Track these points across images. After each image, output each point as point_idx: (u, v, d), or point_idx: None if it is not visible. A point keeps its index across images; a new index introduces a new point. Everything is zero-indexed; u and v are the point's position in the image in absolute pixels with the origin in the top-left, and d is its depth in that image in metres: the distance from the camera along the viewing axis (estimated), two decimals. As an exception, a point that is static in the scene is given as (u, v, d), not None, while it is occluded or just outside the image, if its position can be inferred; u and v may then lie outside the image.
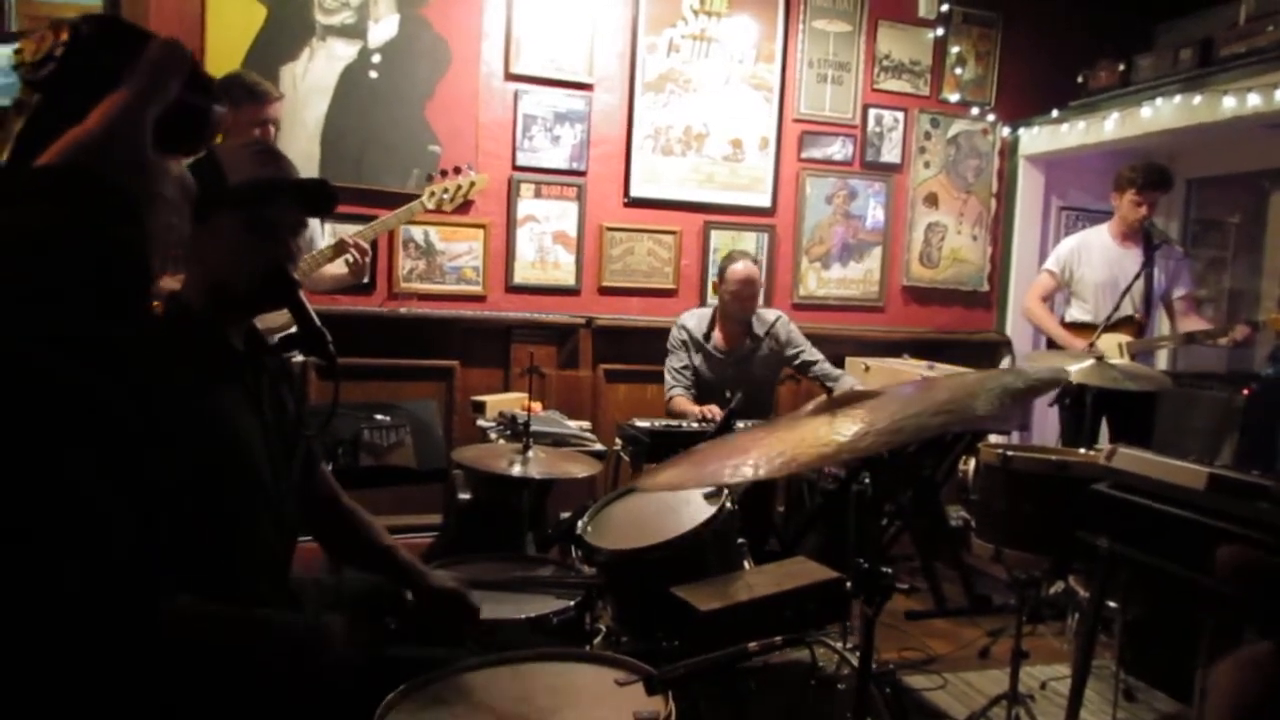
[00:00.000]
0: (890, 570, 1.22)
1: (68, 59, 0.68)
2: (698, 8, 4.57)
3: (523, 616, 1.75)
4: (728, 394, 3.76)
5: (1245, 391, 4.53)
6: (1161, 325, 4.29)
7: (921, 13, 4.92)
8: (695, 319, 3.98)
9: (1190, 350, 4.66)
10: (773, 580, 1.81)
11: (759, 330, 3.91)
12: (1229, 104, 3.94)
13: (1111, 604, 2.74)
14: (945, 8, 4.96)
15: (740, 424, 2.99)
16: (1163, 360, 5.01)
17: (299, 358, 2.53)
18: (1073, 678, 2.53)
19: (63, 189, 0.57)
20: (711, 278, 4.70)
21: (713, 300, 4.20)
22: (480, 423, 3.75)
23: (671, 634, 1.75)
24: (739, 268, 3.82)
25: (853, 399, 1.22)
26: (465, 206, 4.18)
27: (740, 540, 2.07)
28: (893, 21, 4.94)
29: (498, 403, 3.89)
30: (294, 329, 1.45)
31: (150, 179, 0.63)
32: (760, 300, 4.01)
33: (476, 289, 4.37)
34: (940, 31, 5.00)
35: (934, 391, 1.21)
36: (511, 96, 4.32)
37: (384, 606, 1.50)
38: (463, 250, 4.34)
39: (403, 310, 4.23)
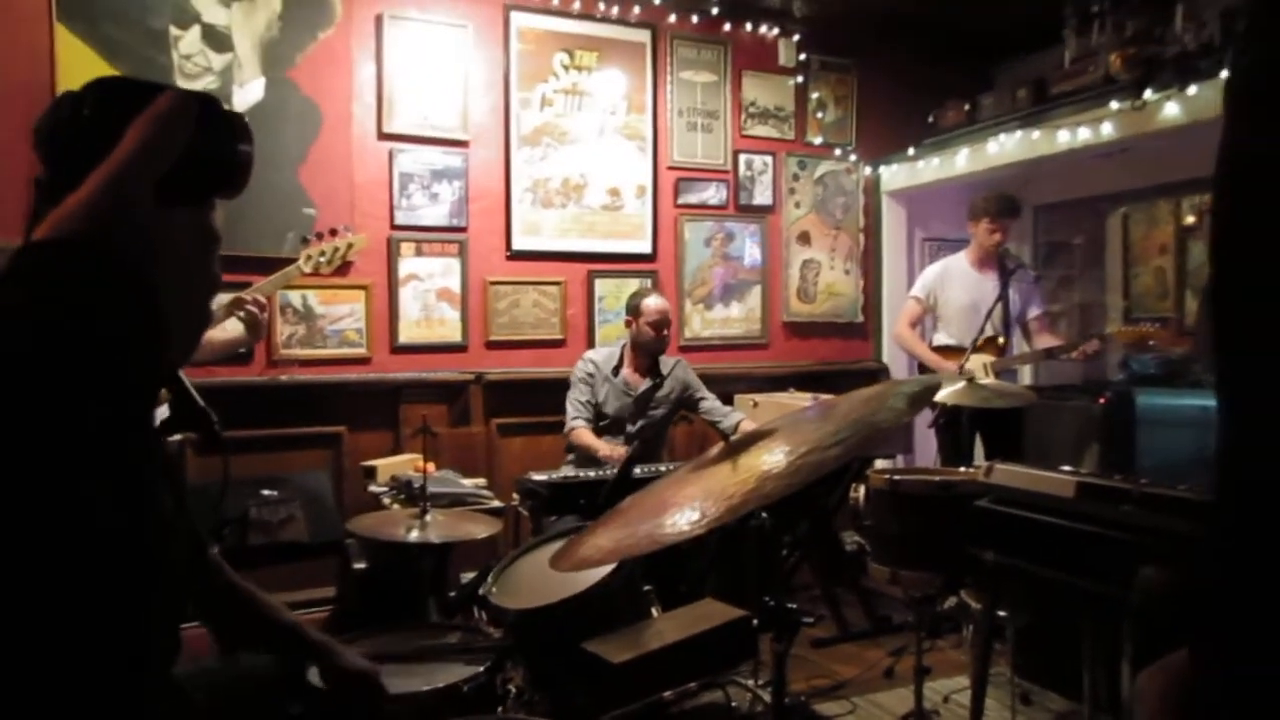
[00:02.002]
0: (796, 606, 1.25)
1: (71, 127, 0.66)
2: (568, 63, 4.66)
3: (434, 687, 1.71)
4: (629, 428, 3.81)
5: (1101, 400, 4.86)
6: (1020, 344, 4.56)
7: (781, 61, 5.16)
8: (603, 355, 4.01)
9: (1048, 365, 4.96)
10: (682, 625, 1.82)
11: (664, 370, 3.97)
12: (1063, 137, 4.27)
13: (1002, 613, 2.87)
14: (803, 56, 5.22)
15: (638, 469, 3.02)
16: (1025, 376, 5.31)
17: (175, 437, 2.41)
18: (972, 688, 2.64)
19: (42, 264, 0.54)
20: (599, 325, 4.75)
21: (618, 339, 4.22)
22: (372, 488, 3.65)
23: (587, 689, 1.74)
24: (652, 300, 3.92)
25: (751, 440, 1.25)
26: (344, 268, 4.10)
27: (647, 587, 2.08)
28: (756, 70, 5.15)
29: (389, 466, 3.80)
30: (169, 410, 1.39)
31: (153, 238, 0.61)
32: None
33: (360, 351, 4.28)
34: (800, 79, 5.25)
35: (829, 418, 1.26)
36: (386, 155, 4.29)
37: (286, 692, 1.44)
38: (344, 312, 4.25)
39: (284, 378, 4.10)
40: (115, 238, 0.57)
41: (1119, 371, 5.33)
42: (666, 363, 4.01)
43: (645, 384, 3.93)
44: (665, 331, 3.91)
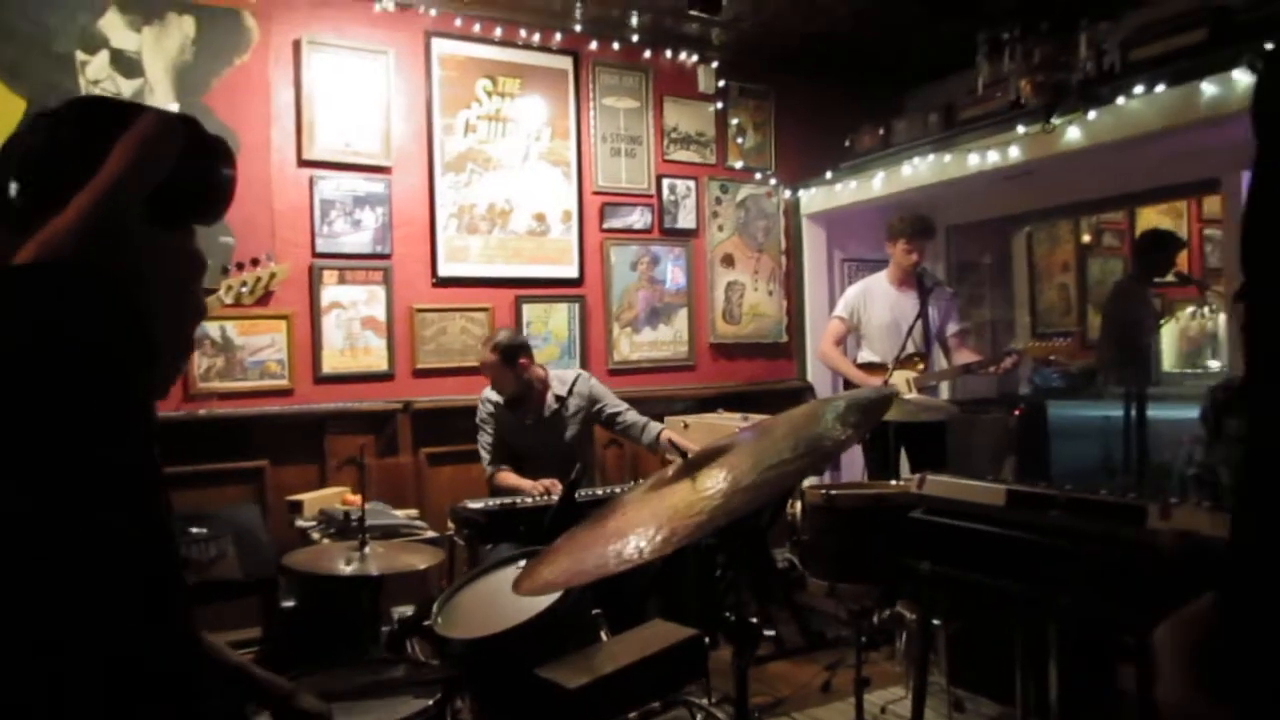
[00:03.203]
0: (756, 620, 1.26)
1: (52, 148, 0.62)
2: (491, 89, 4.66)
3: (383, 723, 1.66)
4: (543, 455, 3.73)
5: (1016, 412, 5.06)
6: (940, 359, 4.71)
7: (701, 88, 5.26)
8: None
9: (964, 379, 5.14)
10: (634, 647, 1.82)
11: (561, 391, 3.82)
12: (973, 160, 4.45)
13: (935, 621, 2.94)
14: (722, 83, 5.33)
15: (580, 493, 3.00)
16: (942, 390, 5.48)
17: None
18: (913, 698, 2.69)
19: (34, 287, 0.51)
20: (528, 350, 4.72)
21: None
22: (299, 523, 3.55)
23: (541, 717, 1.72)
24: (480, 356, 3.78)
25: (708, 457, 1.27)
26: (265, 298, 3.99)
27: (595, 610, 2.07)
28: (676, 97, 5.24)
29: (316, 500, 3.70)
30: None
31: (140, 261, 0.58)
32: (539, 371, 3.84)
33: (282, 383, 4.16)
34: (720, 105, 5.36)
35: (772, 437, 1.28)
36: (307, 182, 4.21)
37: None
38: (264, 343, 4.13)
39: (202, 412, 3.95)
40: (106, 261, 0.55)
41: (1025, 385, 5.56)
42: (564, 380, 3.86)
43: (546, 408, 3.80)
44: (498, 385, 3.71)
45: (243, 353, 4.08)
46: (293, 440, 4.17)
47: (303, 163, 4.20)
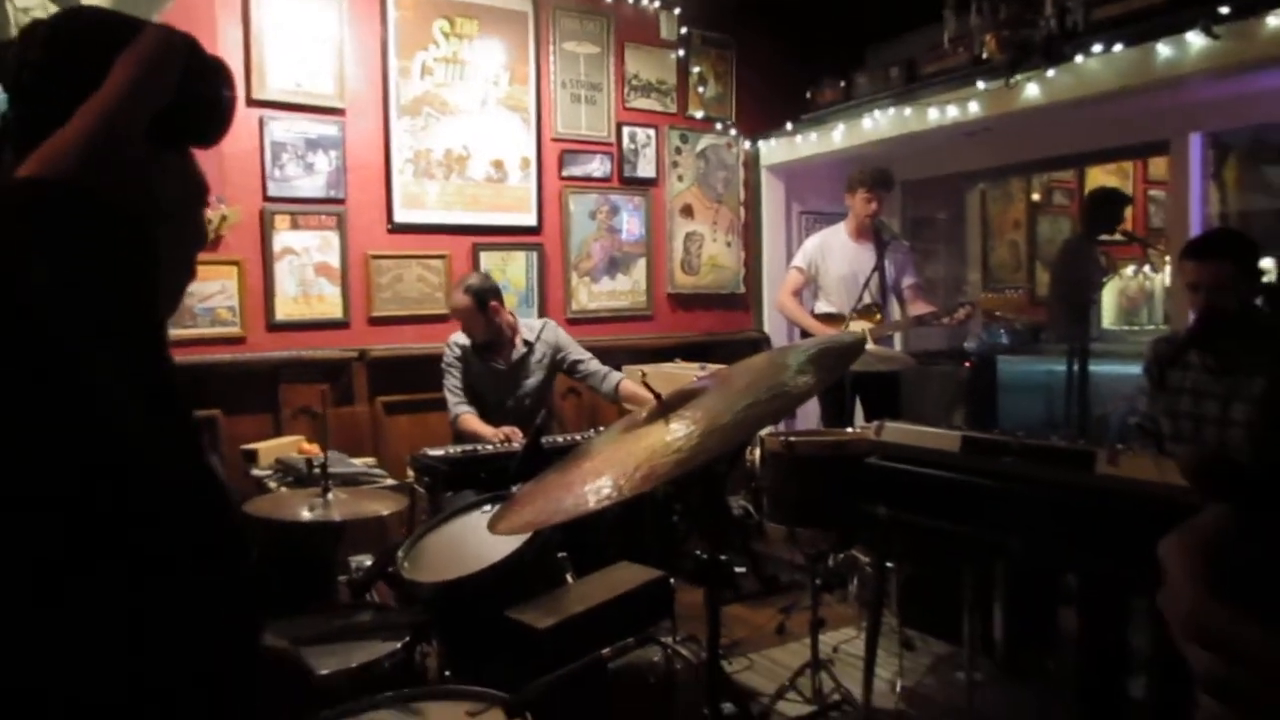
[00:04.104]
0: (726, 558, 1.28)
1: (49, 61, 0.59)
2: (448, 30, 4.55)
3: (353, 665, 1.67)
4: (508, 403, 3.73)
5: (967, 364, 5.17)
6: (896, 311, 4.77)
7: (663, 35, 5.19)
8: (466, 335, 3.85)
9: (915, 331, 5.23)
10: (602, 588, 1.84)
11: (529, 337, 3.83)
12: (933, 115, 4.47)
13: (889, 564, 3.03)
14: (684, 30, 5.26)
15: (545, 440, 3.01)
16: (897, 342, 5.57)
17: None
18: (866, 638, 2.77)
19: (31, 203, 0.49)
20: (487, 299, 4.68)
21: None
22: (255, 472, 3.50)
23: (510, 657, 1.74)
24: (452, 300, 3.76)
25: (680, 400, 1.28)
26: (215, 243, 3.92)
27: (561, 554, 2.09)
28: (638, 44, 5.16)
29: (271, 449, 3.66)
30: None
31: (145, 182, 0.56)
32: (508, 317, 3.81)
33: (234, 330, 4.08)
34: (681, 53, 5.30)
35: (739, 384, 1.29)
36: (256, 123, 4.08)
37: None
38: (214, 290, 4.03)
39: (151, 359, 3.86)
40: (111, 180, 0.53)
41: (973, 340, 5.69)
42: (532, 327, 3.87)
43: (515, 353, 3.80)
44: (471, 331, 3.69)
45: (192, 299, 3.98)
46: (245, 389, 4.10)
47: (252, 103, 4.07)
